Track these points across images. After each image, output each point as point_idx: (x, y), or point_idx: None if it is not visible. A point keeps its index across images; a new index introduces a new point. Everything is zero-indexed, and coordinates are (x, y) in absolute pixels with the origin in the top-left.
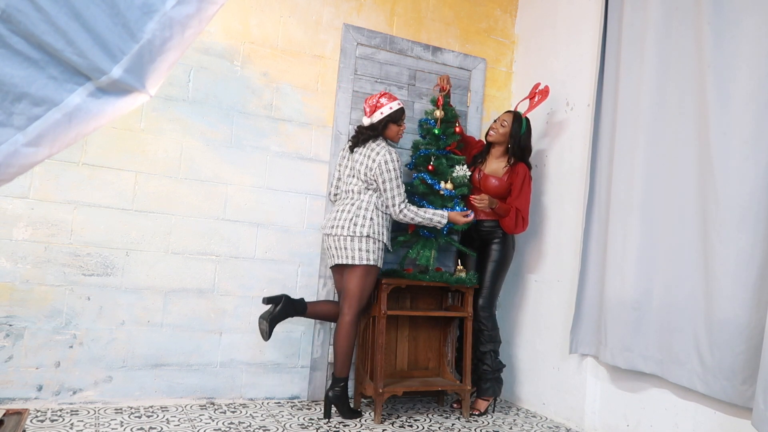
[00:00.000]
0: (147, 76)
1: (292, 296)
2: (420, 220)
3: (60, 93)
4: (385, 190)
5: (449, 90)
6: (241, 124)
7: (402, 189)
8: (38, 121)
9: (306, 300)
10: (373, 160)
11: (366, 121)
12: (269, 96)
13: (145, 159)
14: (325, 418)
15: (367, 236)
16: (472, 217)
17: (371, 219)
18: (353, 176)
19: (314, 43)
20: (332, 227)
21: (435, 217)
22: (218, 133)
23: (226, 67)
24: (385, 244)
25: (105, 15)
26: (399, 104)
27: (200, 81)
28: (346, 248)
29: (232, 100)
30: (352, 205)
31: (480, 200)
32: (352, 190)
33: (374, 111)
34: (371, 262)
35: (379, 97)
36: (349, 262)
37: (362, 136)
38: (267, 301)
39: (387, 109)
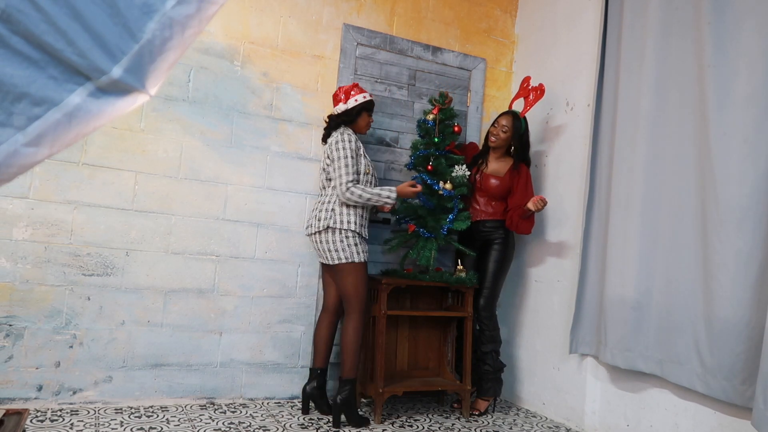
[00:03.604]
0: (147, 76)
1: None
2: (368, 196)
3: (60, 93)
4: (334, 170)
5: (449, 104)
6: (241, 124)
7: (351, 170)
8: (38, 121)
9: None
10: (329, 145)
11: (341, 108)
12: (269, 96)
13: (145, 159)
14: (329, 420)
15: (329, 228)
16: (419, 187)
17: (332, 210)
18: (322, 170)
19: (314, 43)
20: (306, 227)
21: (383, 192)
22: (218, 133)
23: (226, 67)
24: (357, 234)
25: (105, 15)
26: (371, 96)
27: (200, 81)
28: (321, 248)
29: (232, 100)
30: (317, 200)
31: (542, 202)
32: (323, 186)
33: (350, 97)
34: (345, 261)
35: (353, 86)
36: (329, 262)
37: (332, 124)
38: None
39: (361, 97)
